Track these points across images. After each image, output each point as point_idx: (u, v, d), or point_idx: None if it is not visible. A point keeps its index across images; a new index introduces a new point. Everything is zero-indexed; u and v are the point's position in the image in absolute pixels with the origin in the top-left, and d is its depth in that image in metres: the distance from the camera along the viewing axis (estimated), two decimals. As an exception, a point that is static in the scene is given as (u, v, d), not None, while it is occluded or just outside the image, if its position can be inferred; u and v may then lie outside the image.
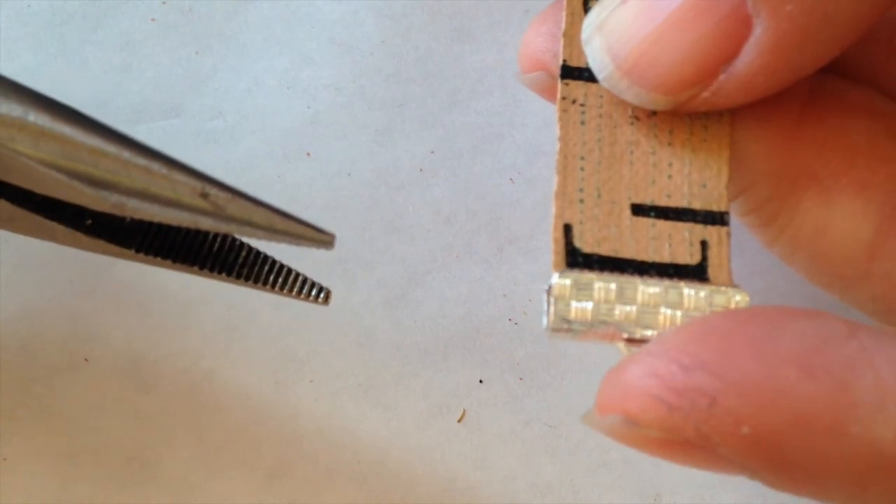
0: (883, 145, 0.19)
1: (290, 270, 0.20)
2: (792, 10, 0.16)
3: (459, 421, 0.25)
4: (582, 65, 0.19)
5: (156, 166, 0.17)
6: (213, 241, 0.20)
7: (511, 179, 0.26)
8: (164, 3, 0.28)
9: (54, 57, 0.27)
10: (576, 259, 0.18)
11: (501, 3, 0.28)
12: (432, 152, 0.27)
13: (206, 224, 0.17)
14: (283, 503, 0.24)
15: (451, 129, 0.27)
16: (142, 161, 0.17)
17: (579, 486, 0.24)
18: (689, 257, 0.18)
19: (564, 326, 0.18)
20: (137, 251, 0.19)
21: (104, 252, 0.19)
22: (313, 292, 0.20)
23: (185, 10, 0.28)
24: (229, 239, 0.20)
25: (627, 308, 0.17)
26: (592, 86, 0.19)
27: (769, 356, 0.15)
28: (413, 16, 0.28)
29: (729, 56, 0.17)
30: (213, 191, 0.17)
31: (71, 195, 0.17)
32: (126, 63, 0.27)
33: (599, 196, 0.18)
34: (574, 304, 0.17)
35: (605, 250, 0.18)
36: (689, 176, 0.19)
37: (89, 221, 0.19)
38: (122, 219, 0.19)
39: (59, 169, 0.17)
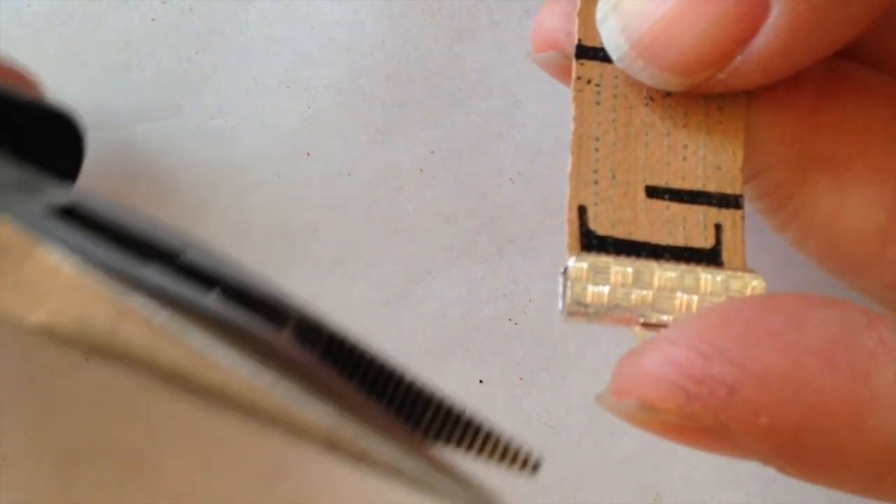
0: None
1: (497, 437, 0.17)
2: None
3: (459, 421, 0.25)
4: (597, 45, 0.19)
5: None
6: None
7: (511, 179, 0.26)
8: (164, 3, 0.28)
9: (54, 57, 0.27)
10: (590, 241, 0.18)
11: (501, 3, 0.28)
12: (432, 152, 0.27)
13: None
14: (283, 503, 0.24)
15: (451, 129, 0.27)
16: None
17: (579, 486, 0.24)
18: (704, 241, 0.18)
19: (581, 310, 0.17)
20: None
21: None
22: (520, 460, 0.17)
23: (185, 10, 0.28)
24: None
25: (644, 292, 0.17)
26: (608, 66, 0.19)
27: (790, 347, 0.15)
28: (413, 16, 0.28)
29: (746, 37, 0.17)
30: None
31: None
32: (126, 63, 0.27)
33: (614, 177, 0.18)
34: (590, 287, 0.17)
35: (619, 233, 0.18)
36: (704, 158, 0.19)
37: None
38: None
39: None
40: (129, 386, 0.25)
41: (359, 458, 0.14)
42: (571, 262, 0.18)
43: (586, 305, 0.17)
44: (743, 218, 0.18)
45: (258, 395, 0.14)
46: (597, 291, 0.17)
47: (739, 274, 0.18)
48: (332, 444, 0.14)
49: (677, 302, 0.17)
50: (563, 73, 0.20)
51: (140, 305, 0.14)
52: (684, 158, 0.19)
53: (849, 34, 0.18)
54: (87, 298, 0.14)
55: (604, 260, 0.18)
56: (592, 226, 0.18)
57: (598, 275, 0.17)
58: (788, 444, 0.16)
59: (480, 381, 0.25)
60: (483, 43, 0.27)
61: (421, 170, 0.26)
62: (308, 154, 0.27)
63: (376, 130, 0.27)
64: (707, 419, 0.16)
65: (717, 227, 0.18)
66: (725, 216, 0.18)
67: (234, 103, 0.27)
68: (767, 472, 0.24)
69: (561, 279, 0.18)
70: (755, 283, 0.18)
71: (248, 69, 0.27)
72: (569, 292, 0.17)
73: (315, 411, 0.14)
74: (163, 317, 0.14)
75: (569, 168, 0.18)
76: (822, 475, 0.16)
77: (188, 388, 0.14)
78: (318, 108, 0.27)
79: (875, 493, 0.16)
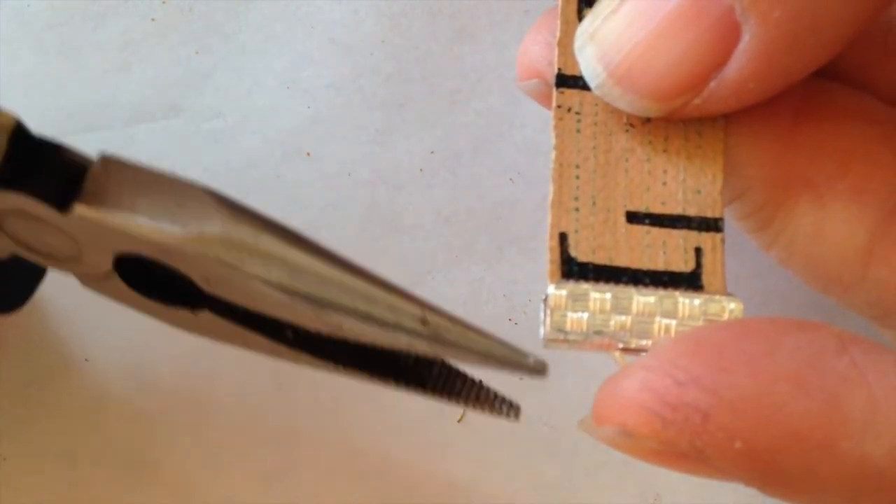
0: (877, 150, 0.19)
1: (481, 385, 0.20)
2: (780, 16, 0.16)
3: (459, 421, 0.25)
4: (577, 73, 0.19)
5: (377, 292, 0.17)
6: (408, 357, 0.20)
7: (511, 179, 0.26)
8: (164, 2, 0.28)
9: (54, 57, 0.27)
10: (571, 268, 0.18)
11: (501, 3, 0.28)
12: (432, 152, 0.27)
13: (421, 347, 0.17)
14: (283, 503, 0.24)
15: (451, 129, 0.27)
16: (363, 286, 0.17)
17: (579, 486, 0.24)
18: (684, 264, 0.18)
19: (560, 337, 0.18)
20: (336, 364, 0.19)
21: (301, 362, 0.20)
22: (504, 408, 0.20)
23: (185, 10, 0.28)
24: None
25: (622, 318, 0.18)
26: (587, 94, 0.19)
27: (763, 372, 0.16)
28: (413, 16, 0.28)
29: (719, 63, 0.17)
30: (433, 318, 0.17)
31: (290, 314, 0.18)
32: (126, 63, 0.27)
33: (594, 204, 0.18)
34: (570, 314, 0.18)
35: (600, 259, 0.18)
36: (684, 182, 0.19)
37: (290, 335, 0.19)
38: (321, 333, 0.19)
39: (284, 290, 0.17)
40: (129, 386, 0.25)
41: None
42: (551, 289, 0.18)
43: (566, 332, 0.18)
44: (723, 241, 0.18)
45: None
46: (576, 318, 0.18)
47: (717, 298, 0.18)
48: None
49: (656, 326, 0.18)
50: (548, 101, 0.20)
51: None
52: (664, 183, 0.19)
53: (822, 57, 0.18)
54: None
55: (583, 287, 0.18)
56: (573, 253, 0.18)
57: (577, 302, 0.18)
58: (764, 468, 0.16)
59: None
60: (483, 43, 0.27)
61: (421, 170, 0.26)
62: (308, 154, 0.27)
63: (376, 130, 0.27)
64: (683, 445, 0.16)
65: (698, 251, 0.18)
66: (705, 239, 0.18)
67: (234, 103, 0.27)
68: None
69: (541, 306, 0.18)
70: (732, 306, 0.18)
71: (248, 69, 0.27)
72: (548, 320, 0.18)
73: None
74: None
75: (550, 196, 0.18)
76: (799, 497, 0.16)
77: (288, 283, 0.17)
78: (318, 108, 0.27)
79: None
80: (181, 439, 0.24)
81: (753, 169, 0.19)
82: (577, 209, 0.18)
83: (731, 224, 0.19)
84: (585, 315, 0.18)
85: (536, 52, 0.21)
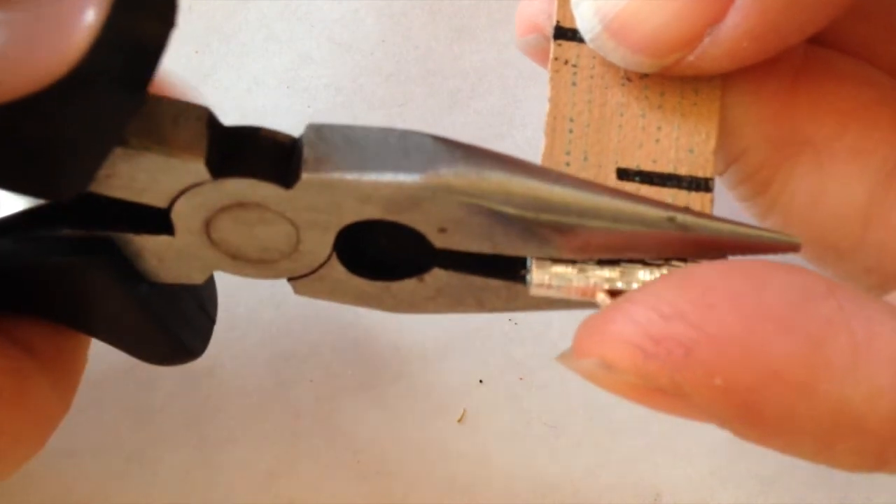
0: (876, 110, 0.19)
1: None
2: None
3: (459, 421, 0.25)
4: (575, 26, 0.19)
5: (621, 205, 0.17)
6: None
7: (511, 179, 0.26)
8: (164, 2, 0.28)
9: (54, 56, 0.27)
10: None
11: (501, 2, 0.28)
12: (432, 152, 0.27)
13: (673, 248, 0.17)
14: (283, 503, 0.24)
15: (451, 129, 0.27)
16: (607, 203, 0.17)
17: (579, 486, 0.24)
18: None
19: (546, 282, 0.18)
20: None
21: (538, 304, 0.19)
22: None
23: (185, 10, 0.28)
24: None
25: (608, 270, 0.18)
26: (585, 47, 0.19)
27: (747, 310, 0.15)
28: (413, 15, 0.28)
29: (714, 19, 0.17)
30: (680, 216, 0.17)
31: (534, 247, 0.17)
32: (126, 62, 0.27)
33: (586, 159, 0.18)
34: (556, 263, 0.18)
35: None
36: (678, 140, 0.19)
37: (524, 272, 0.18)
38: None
39: (530, 223, 0.17)
40: (129, 385, 0.25)
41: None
42: None
43: (551, 276, 0.18)
44: (712, 201, 0.18)
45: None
46: (562, 267, 0.18)
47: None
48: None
49: (641, 273, 0.18)
50: (545, 58, 0.20)
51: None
52: (657, 140, 0.19)
53: (818, 19, 0.18)
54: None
55: None
56: None
57: None
58: (742, 407, 0.16)
59: (480, 381, 0.25)
60: (483, 42, 0.27)
61: (421, 170, 0.26)
62: (308, 154, 0.26)
63: (376, 130, 0.27)
64: (663, 380, 0.16)
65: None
66: (695, 199, 0.18)
67: (234, 103, 0.27)
68: (767, 472, 0.24)
69: (529, 255, 0.18)
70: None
71: (248, 69, 0.27)
72: (535, 266, 0.18)
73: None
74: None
75: (542, 149, 0.18)
76: (775, 439, 0.16)
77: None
78: (318, 108, 0.27)
79: (827, 459, 0.16)
80: (181, 438, 0.24)
81: (752, 127, 0.19)
82: (567, 164, 0.18)
83: (724, 206, 0.19)
84: (571, 265, 0.18)
85: (535, 6, 0.21)
